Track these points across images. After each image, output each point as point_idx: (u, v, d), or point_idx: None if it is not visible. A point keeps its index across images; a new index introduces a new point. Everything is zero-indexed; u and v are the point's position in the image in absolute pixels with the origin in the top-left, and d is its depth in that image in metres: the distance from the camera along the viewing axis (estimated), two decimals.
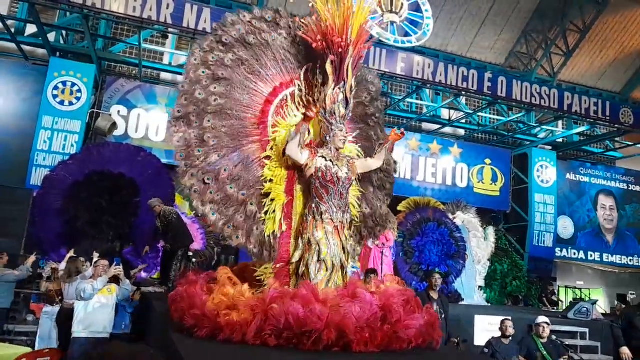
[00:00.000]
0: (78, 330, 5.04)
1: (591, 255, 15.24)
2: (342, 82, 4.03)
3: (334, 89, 4.03)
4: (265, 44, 4.29)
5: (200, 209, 3.92)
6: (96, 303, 5.08)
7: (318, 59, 4.19)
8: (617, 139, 16.02)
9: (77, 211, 8.20)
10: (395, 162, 5.12)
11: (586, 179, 15.79)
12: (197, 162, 3.91)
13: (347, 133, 4.11)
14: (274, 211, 3.98)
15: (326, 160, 3.93)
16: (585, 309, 8.96)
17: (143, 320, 5.86)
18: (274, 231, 3.96)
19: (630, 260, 15.43)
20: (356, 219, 4.37)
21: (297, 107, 4.27)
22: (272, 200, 4.00)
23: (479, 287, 11.53)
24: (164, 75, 13.02)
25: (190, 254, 7.88)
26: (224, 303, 3.43)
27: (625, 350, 5.85)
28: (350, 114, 4.21)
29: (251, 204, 4.01)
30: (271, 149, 4.13)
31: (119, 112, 11.83)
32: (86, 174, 8.48)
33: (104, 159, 8.76)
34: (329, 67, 4.01)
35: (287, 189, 4.08)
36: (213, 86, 4.06)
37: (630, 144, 16.50)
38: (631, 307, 7.19)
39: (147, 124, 11.95)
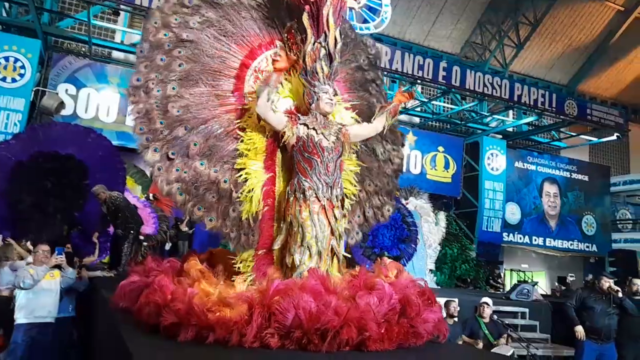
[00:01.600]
0: (20, 317, 4.89)
1: (535, 240, 15.99)
2: (323, 35, 3.45)
3: (313, 44, 3.46)
4: (238, 3, 3.76)
5: (165, 189, 3.46)
6: (38, 288, 4.93)
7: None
8: (562, 129, 16.77)
9: (21, 193, 7.86)
10: (402, 135, 4.53)
11: (533, 167, 16.47)
12: (161, 136, 3.46)
13: (335, 95, 3.58)
14: (252, 189, 3.51)
15: (309, 128, 3.43)
16: (526, 290, 9.45)
17: (89, 304, 5.75)
18: (253, 213, 3.50)
19: (571, 245, 16.31)
20: (354, 197, 3.92)
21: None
22: (248, 176, 3.53)
23: (430, 270, 11.92)
24: (115, 54, 12.57)
25: (142, 237, 7.77)
26: (210, 296, 2.88)
27: (579, 329, 6.18)
28: (339, 73, 3.66)
29: (225, 181, 3.54)
30: (248, 118, 3.63)
31: (66, 90, 11.33)
32: (31, 155, 8.11)
33: (51, 139, 8.39)
34: (305, 20, 3.46)
35: (267, 164, 3.60)
36: (177, 50, 3.56)
37: (573, 134, 17.32)
38: (585, 288, 7.54)
39: (98, 104, 11.51)
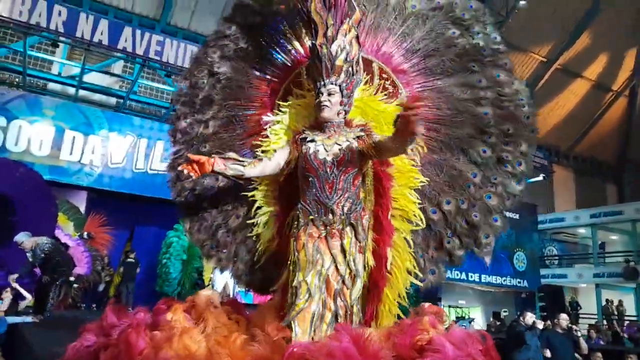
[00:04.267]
0: None
1: (472, 276, 16.51)
2: (313, 30, 2.82)
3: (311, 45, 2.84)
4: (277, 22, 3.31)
5: (185, 228, 3.25)
6: None
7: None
8: None
9: None
10: (529, 115, 3.15)
11: None
12: (188, 184, 3.24)
13: (330, 94, 2.74)
14: (265, 225, 3.01)
15: (308, 141, 2.78)
16: (464, 326, 9.75)
17: (11, 353, 5.33)
18: (264, 250, 3.00)
19: (504, 280, 16.96)
20: (419, 222, 2.93)
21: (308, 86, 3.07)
22: (260, 210, 3.02)
23: None
24: (51, 86, 12.18)
25: (72, 278, 7.35)
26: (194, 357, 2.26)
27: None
28: (337, 64, 2.72)
29: (237, 217, 3.15)
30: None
31: None
32: None
33: None
34: (315, 16, 2.79)
35: (281, 195, 3.03)
36: (213, 84, 3.33)
37: None
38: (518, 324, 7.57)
39: (30, 137, 10.95)
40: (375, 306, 2.69)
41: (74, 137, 11.18)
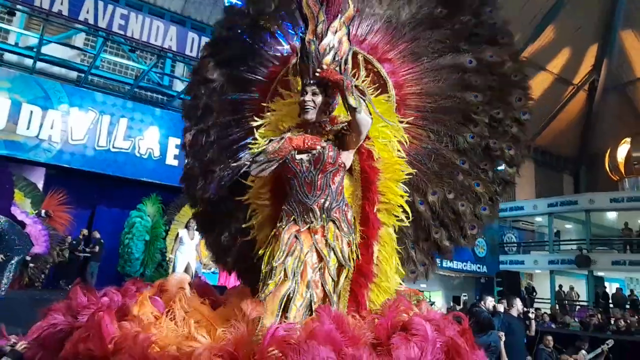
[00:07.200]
0: None
1: None
2: (304, 26, 2.66)
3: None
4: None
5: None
6: None
7: None
8: None
9: None
10: (523, 95, 3.10)
11: None
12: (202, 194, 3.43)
13: (315, 94, 2.58)
14: (262, 226, 2.91)
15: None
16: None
17: None
18: (260, 252, 2.81)
19: (464, 266, 17.44)
20: (406, 217, 2.84)
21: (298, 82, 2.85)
22: (254, 212, 2.95)
23: None
24: (8, 57, 11.56)
25: (28, 258, 7.09)
26: (167, 348, 2.16)
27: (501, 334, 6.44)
28: (324, 63, 2.54)
29: (236, 221, 3.14)
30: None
31: None
32: None
33: None
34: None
35: (272, 197, 2.93)
36: (208, 92, 3.50)
37: None
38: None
39: None
40: (366, 297, 2.67)
41: (31, 111, 10.65)
